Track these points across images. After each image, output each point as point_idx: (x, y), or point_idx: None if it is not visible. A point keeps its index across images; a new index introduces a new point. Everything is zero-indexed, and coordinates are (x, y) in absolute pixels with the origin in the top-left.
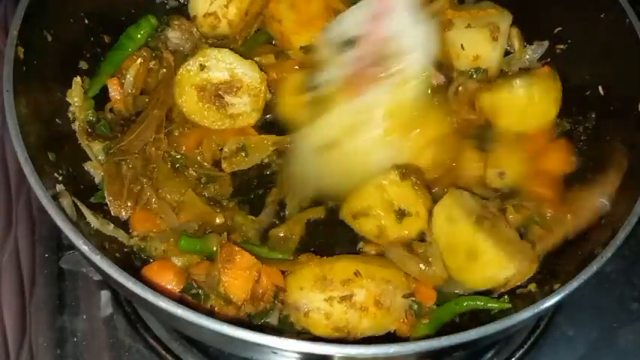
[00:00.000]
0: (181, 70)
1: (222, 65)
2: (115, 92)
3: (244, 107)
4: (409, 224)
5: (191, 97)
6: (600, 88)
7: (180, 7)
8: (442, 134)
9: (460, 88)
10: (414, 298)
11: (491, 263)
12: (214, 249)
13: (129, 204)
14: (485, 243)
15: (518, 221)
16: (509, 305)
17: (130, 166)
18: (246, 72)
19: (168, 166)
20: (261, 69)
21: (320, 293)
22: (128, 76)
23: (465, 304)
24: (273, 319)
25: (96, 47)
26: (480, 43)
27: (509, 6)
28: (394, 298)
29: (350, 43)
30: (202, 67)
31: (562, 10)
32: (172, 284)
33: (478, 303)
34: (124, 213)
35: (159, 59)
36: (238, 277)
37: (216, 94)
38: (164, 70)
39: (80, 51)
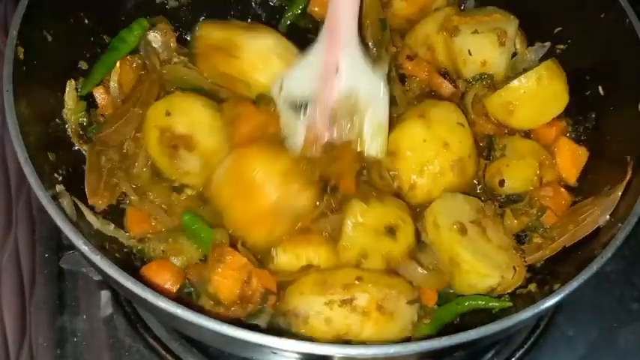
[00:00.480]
0: (151, 107)
1: (185, 118)
2: (102, 100)
3: (194, 168)
4: (400, 241)
5: (153, 136)
6: (600, 88)
7: (180, 7)
8: (464, 156)
9: (474, 98)
10: (419, 304)
11: (470, 272)
12: (217, 238)
13: (105, 194)
14: (465, 253)
15: (516, 227)
16: (511, 304)
17: (108, 158)
18: (205, 136)
19: (149, 173)
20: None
21: (320, 297)
22: (112, 82)
23: (466, 304)
24: (261, 322)
25: (96, 47)
26: (486, 49)
27: (510, 6)
28: (398, 303)
29: (302, 104)
30: (168, 113)
31: (562, 11)
32: (170, 283)
33: (479, 302)
34: (100, 202)
35: (144, 64)
36: (228, 277)
37: (174, 145)
38: (148, 71)
39: (80, 51)
